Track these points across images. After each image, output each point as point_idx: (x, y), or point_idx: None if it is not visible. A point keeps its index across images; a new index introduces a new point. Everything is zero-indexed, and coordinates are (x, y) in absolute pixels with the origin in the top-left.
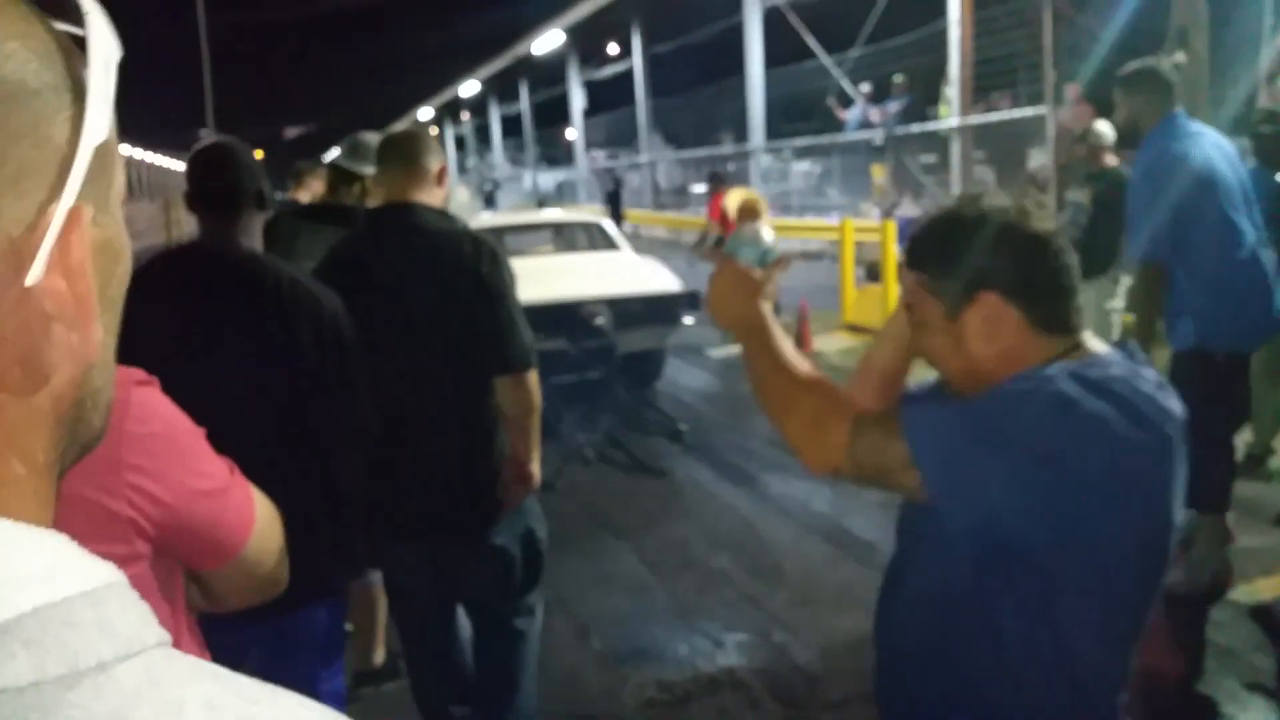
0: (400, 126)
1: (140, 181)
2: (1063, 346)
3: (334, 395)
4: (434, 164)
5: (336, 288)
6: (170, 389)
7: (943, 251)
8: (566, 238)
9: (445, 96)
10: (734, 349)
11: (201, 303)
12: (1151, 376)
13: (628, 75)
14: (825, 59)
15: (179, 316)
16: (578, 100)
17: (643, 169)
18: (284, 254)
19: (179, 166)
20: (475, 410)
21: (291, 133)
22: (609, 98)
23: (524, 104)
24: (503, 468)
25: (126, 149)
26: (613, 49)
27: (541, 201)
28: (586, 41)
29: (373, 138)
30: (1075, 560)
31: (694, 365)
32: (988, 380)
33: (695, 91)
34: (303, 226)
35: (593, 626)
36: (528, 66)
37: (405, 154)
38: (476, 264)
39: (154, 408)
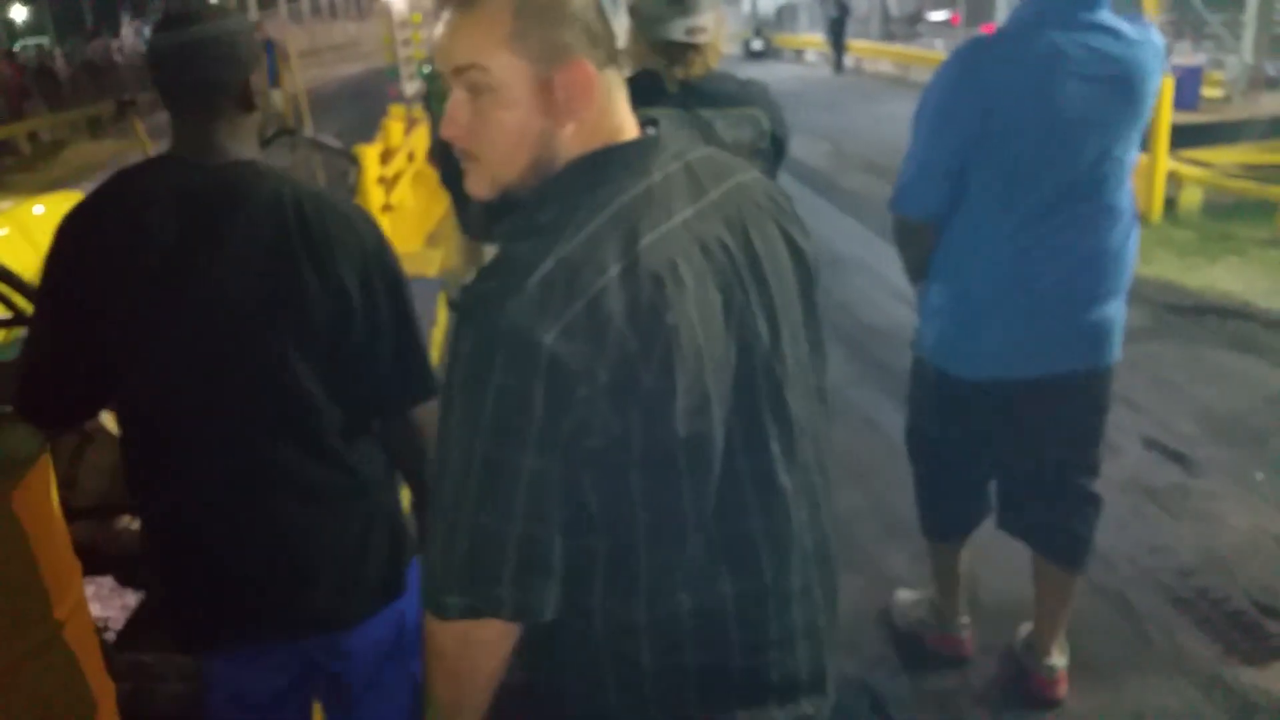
0: None
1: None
2: None
3: (389, 357)
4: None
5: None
6: (156, 366)
7: None
8: None
9: None
10: None
11: (183, 235)
12: None
13: None
14: None
15: (154, 255)
16: None
17: None
18: None
19: None
20: None
21: None
22: None
23: None
24: None
25: None
26: None
27: (758, 29)
28: None
29: None
30: None
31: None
32: None
33: None
34: None
35: None
36: None
37: None
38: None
39: None
